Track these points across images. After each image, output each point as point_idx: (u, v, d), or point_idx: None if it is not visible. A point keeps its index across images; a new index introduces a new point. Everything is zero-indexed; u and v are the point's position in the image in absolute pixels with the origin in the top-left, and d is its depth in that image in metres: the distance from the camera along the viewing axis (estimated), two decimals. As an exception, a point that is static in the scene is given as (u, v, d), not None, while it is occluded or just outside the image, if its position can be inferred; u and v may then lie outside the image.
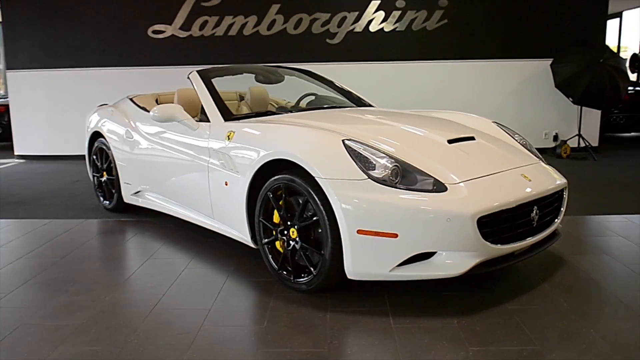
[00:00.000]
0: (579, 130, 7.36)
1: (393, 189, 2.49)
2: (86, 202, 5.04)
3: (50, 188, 5.78)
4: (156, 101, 4.59)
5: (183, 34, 7.55)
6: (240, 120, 3.36)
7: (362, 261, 2.53)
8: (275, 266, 2.92)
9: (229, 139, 3.17)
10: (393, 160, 2.58)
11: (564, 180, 3.05)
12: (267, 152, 2.83)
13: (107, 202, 4.65)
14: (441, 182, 2.54)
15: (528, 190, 2.71)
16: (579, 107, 7.27)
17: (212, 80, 3.76)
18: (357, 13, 7.48)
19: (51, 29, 7.69)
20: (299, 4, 7.45)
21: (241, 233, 3.17)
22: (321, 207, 2.58)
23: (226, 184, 3.17)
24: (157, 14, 7.50)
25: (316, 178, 2.59)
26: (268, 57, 7.50)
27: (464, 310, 2.58)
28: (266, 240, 2.97)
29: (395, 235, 2.45)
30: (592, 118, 7.61)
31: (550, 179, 2.95)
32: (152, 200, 4.12)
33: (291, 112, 3.70)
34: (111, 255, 3.54)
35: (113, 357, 2.20)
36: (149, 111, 4.21)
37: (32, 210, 4.75)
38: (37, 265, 3.32)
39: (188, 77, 3.86)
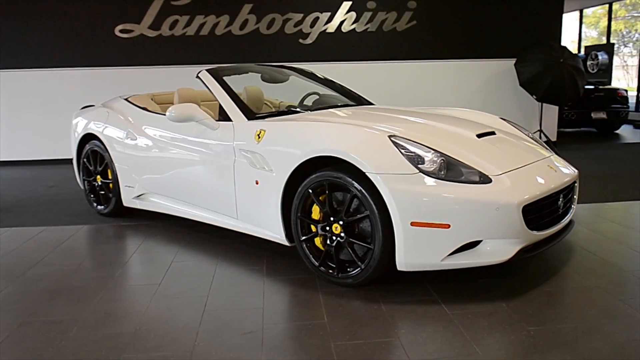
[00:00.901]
0: (540, 126, 7.80)
1: (443, 181, 2.59)
2: (73, 207, 4.83)
3: (25, 195, 5.48)
4: (152, 100, 4.47)
5: (152, 34, 7.36)
6: (265, 119, 3.36)
7: (415, 252, 2.61)
8: (316, 263, 2.95)
9: (259, 137, 3.16)
10: (439, 154, 2.68)
11: (576, 171, 3.27)
12: (311, 149, 2.85)
13: (102, 207, 4.49)
14: (485, 174, 2.67)
15: (557, 179, 2.90)
16: (540, 104, 7.70)
17: (224, 78, 3.73)
18: (329, 14, 7.57)
19: (11, 27, 7.27)
20: (271, 4, 7.45)
21: (273, 232, 3.17)
22: (371, 201, 2.65)
23: (257, 183, 3.16)
24: (125, 13, 7.27)
25: (367, 173, 2.64)
26: (241, 58, 7.45)
27: (506, 295, 2.72)
28: (304, 237, 3.00)
29: (448, 226, 2.55)
30: (551, 114, 8.09)
31: (568, 170, 3.15)
32: (159, 203, 4.02)
33: (310, 110, 3.72)
34: (131, 260, 3.43)
35: (187, 358, 2.17)
36: (150, 111, 4.13)
37: (15, 219, 4.49)
38: (56, 273, 3.18)
39: (197, 77, 3.80)
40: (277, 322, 2.49)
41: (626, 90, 9.90)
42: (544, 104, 7.69)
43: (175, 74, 7.40)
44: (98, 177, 4.49)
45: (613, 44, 11.94)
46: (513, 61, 7.67)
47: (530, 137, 3.55)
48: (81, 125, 4.60)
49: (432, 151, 2.70)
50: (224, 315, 2.57)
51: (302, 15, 7.53)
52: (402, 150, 2.67)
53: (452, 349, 2.21)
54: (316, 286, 2.90)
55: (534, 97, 7.46)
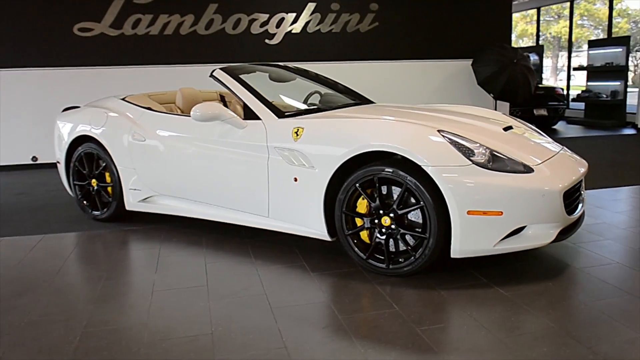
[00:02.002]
0: (494, 123, 8.28)
1: (493, 172, 2.76)
2: (58, 214, 4.56)
3: (-6, 204, 5.10)
4: (152, 100, 4.33)
5: (114, 33, 7.06)
6: (296, 117, 3.38)
7: (470, 240, 2.76)
8: (363, 256, 3.03)
9: (297, 135, 3.18)
10: (485, 147, 2.85)
11: (586, 162, 3.55)
12: (361, 144, 2.91)
13: (98, 212, 4.28)
14: (527, 165, 2.86)
15: (579, 168, 3.16)
16: (494, 101, 8.19)
17: (241, 77, 3.71)
18: (294, 14, 7.63)
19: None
20: (237, 4, 7.39)
21: (312, 228, 3.20)
22: (426, 193, 2.76)
23: (295, 180, 3.18)
24: (84, 11, 6.92)
25: (423, 166, 2.76)
26: (207, 58, 7.34)
27: (542, 278, 2.94)
28: (350, 231, 3.06)
29: (501, 213, 2.72)
30: (503, 111, 8.61)
31: (582, 160, 3.43)
32: (169, 205, 3.90)
33: (331, 108, 3.76)
34: (161, 263, 3.32)
35: (288, 354, 2.18)
36: (157, 111, 4.02)
37: (2, 229, 4.18)
38: (88, 281, 3.03)
39: (212, 76, 3.75)
40: (351, 314, 2.54)
41: (562, 89, 10.73)
42: (497, 101, 8.18)
43: (139, 75, 7.16)
44: (93, 181, 4.28)
45: (542, 46, 12.88)
46: (469, 61, 8.10)
47: (536, 131, 3.82)
48: (71, 128, 4.36)
49: (478, 144, 2.86)
50: (295, 312, 2.58)
51: (267, 15, 7.53)
52: (453, 144, 2.81)
53: (531, 324, 2.37)
54: (366, 278, 2.97)
55: (491, 95, 7.93)
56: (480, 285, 2.83)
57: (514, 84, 7.64)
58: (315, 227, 3.19)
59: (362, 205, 3.04)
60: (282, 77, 4.27)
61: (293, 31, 7.66)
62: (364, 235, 3.06)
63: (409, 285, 2.85)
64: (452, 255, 2.82)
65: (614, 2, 22.60)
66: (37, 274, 3.18)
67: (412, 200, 2.88)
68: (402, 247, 2.95)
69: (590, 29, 24.60)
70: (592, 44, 11.10)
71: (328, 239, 3.18)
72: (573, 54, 12.91)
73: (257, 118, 3.42)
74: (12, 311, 2.66)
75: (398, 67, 8.09)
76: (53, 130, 4.61)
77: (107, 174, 4.22)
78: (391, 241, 2.97)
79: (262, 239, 3.70)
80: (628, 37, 10.20)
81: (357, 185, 2.97)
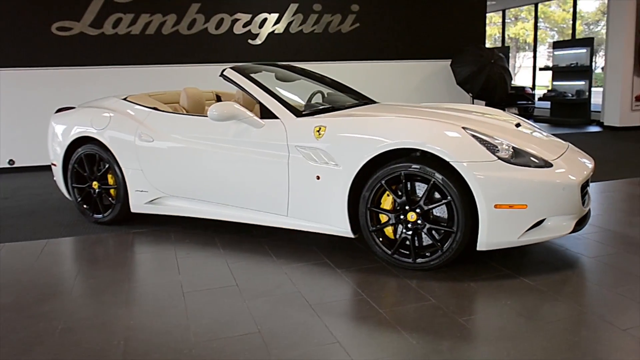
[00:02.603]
0: (471, 122, 8.51)
1: (518, 167, 2.86)
2: (54, 218, 4.41)
3: (-20, 210, 4.89)
4: (154, 100, 4.26)
5: (94, 32, 6.88)
6: (314, 116, 3.40)
7: (496, 232, 2.85)
8: (389, 251, 3.08)
9: (319, 133, 3.21)
10: (507, 143, 2.96)
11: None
12: (387, 142, 2.97)
13: (100, 215, 4.18)
14: (545, 160, 2.99)
15: (589, 163, 3.31)
16: (472, 100, 8.42)
17: (252, 76, 3.71)
18: (277, 15, 7.62)
19: None
20: (219, 3, 7.33)
21: (335, 225, 3.23)
22: (454, 188, 2.85)
23: (317, 178, 3.21)
24: (63, 10, 6.71)
25: (451, 162, 2.84)
26: (189, 58, 7.26)
27: (561, 267, 3.07)
28: (374, 228, 3.11)
29: (525, 206, 2.83)
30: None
31: (587, 155, 3.58)
32: (178, 206, 3.85)
33: (343, 107, 3.79)
34: (182, 265, 3.27)
35: (343, 348, 2.21)
36: (163, 112, 3.96)
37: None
38: (114, 284, 2.96)
39: (222, 75, 3.74)
40: (391, 307, 2.59)
41: (531, 88, 11.12)
42: (474, 100, 8.42)
43: (121, 75, 7.00)
44: (95, 183, 4.17)
45: (508, 47, 13.32)
46: (448, 62, 8.30)
47: (537, 128, 3.97)
48: (69, 129, 4.24)
49: (500, 140, 2.96)
50: (335, 308, 2.61)
51: (250, 15, 7.50)
52: (479, 140, 2.91)
53: (565, 311, 2.48)
54: (393, 273, 3.03)
55: (470, 94, 8.15)
56: (505, 276, 2.93)
57: (492, 83, 7.88)
58: (338, 225, 3.22)
59: (387, 202, 3.09)
60: (287, 77, 4.28)
61: (276, 31, 7.66)
62: (388, 231, 3.12)
63: (436, 279, 2.93)
64: (477, 248, 2.91)
65: (569, 5, 23.50)
66: (54, 279, 3.09)
67: (437, 195, 2.96)
68: (424, 241, 3.03)
69: (546, 31, 25.63)
70: (557, 45, 11.55)
71: (351, 235, 3.22)
72: (530, 54, 13.44)
73: (274, 117, 3.42)
74: (40, 318, 2.58)
75: (379, 67, 8.20)
76: (32, 132, 4.47)
77: (109, 176, 4.13)
78: (408, 235, 3.04)
79: (277, 237, 3.71)
80: (592, 39, 10.67)
81: (383, 182, 3.03)
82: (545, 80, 14.44)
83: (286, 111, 3.42)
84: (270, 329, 2.40)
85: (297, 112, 3.43)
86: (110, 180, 4.13)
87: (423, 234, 3.02)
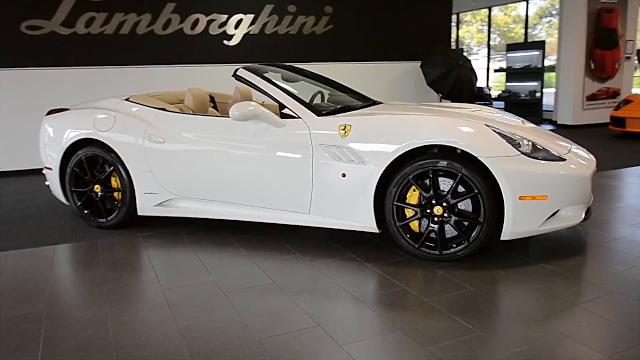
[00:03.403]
0: (440, 121, 8.83)
1: (539, 160, 3.06)
2: (50, 223, 4.25)
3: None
4: (157, 99, 4.20)
5: (65, 31, 6.63)
6: (335, 115, 3.48)
7: (520, 222, 3.04)
8: (415, 244, 3.21)
9: (344, 132, 3.29)
10: (527, 139, 3.15)
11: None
12: (416, 139, 3.08)
13: (104, 219, 4.07)
14: (559, 154, 3.20)
15: (592, 157, 3.56)
16: (440, 100, 8.72)
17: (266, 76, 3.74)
18: (252, 16, 7.62)
19: None
20: (195, 3, 7.24)
21: (360, 221, 3.31)
22: (481, 182, 3.01)
23: (343, 176, 3.29)
24: (33, 8, 6.42)
25: (479, 158, 2.99)
26: (165, 58, 7.13)
27: (573, 254, 3.30)
28: (401, 222, 3.23)
29: (546, 198, 3.03)
30: (445, 110, 9.20)
31: (587, 151, 3.83)
32: (190, 208, 3.81)
33: (357, 107, 3.87)
34: (207, 265, 3.25)
35: (408, 337, 2.31)
36: (173, 112, 3.92)
37: (-3, 242, 3.86)
38: (146, 286, 2.92)
39: (235, 75, 3.74)
40: (436, 295, 2.71)
41: (489, 89, 11.61)
42: (442, 100, 8.73)
43: (94, 76, 6.79)
44: (97, 186, 4.07)
45: (462, 49, 13.83)
46: (417, 63, 8.56)
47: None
48: (67, 131, 4.10)
49: (520, 136, 3.15)
50: (383, 299, 2.70)
51: (226, 16, 7.45)
52: (502, 136, 3.08)
53: (593, 292, 2.68)
54: (420, 264, 3.15)
55: (440, 95, 8.44)
56: (526, 264, 3.12)
57: (460, 84, 8.20)
58: (363, 220, 3.31)
59: (413, 197, 3.21)
60: (291, 78, 4.32)
61: (251, 32, 7.64)
62: (413, 225, 3.24)
63: (463, 268, 3.07)
64: (501, 238, 3.08)
65: (510, 9, 24.57)
66: (80, 285, 3.01)
67: (461, 189, 3.11)
68: (447, 234, 3.18)
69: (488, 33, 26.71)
70: (510, 48, 12.12)
71: (376, 230, 3.32)
72: (473, 56, 14.03)
73: (294, 117, 3.47)
74: (86, 325, 2.52)
75: (352, 68, 8.34)
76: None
77: (113, 179, 4.03)
78: (435, 228, 3.17)
79: (293, 235, 3.76)
80: (543, 42, 11.27)
81: (411, 177, 3.15)
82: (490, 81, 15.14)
83: (307, 111, 3.48)
84: (328, 322, 2.46)
85: (317, 111, 3.49)
86: (114, 183, 4.04)
87: (446, 226, 3.16)
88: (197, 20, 7.29)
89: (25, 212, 4.70)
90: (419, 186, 3.16)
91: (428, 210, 3.17)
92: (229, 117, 3.49)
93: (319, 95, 4.49)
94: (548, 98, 11.71)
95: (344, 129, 3.31)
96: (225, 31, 7.50)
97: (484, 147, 3.02)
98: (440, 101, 8.75)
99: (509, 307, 2.57)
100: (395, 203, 3.21)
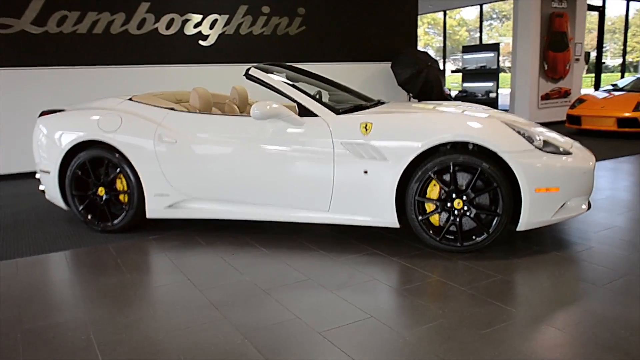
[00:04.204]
0: (409, 120, 9.09)
1: (551, 154, 3.27)
2: (49, 229, 4.10)
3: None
4: (165, 100, 4.14)
5: (36, 30, 6.36)
6: (354, 113, 3.57)
7: (535, 213, 3.23)
8: (437, 237, 3.35)
9: (366, 130, 3.38)
10: (539, 133, 3.36)
11: None
12: (438, 136, 3.21)
13: (109, 223, 3.98)
14: (566, 149, 3.43)
15: (591, 152, 3.82)
16: (409, 100, 8.97)
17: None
18: (227, 16, 7.57)
19: None
20: (169, 3, 7.12)
21: (381, 217, 3.41)
22: (500, 175, 3.18)
23: (365, 172, 3.38)
24: (1, 6, 6.13)
25: (499, 153, 3.17)
26: (140, 58, 6.98)
27: (577, 242, 3.54)
28: (422, 217, 3.36)
29: (558, 189, 3.25)
30: (413, 110, 9.47)
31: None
32: (202, 209, 3.78)
33: (368, 107, 3.96)
34: (235, 266, 3.26)
35: (461, 322, 2.43)
36: (182, 112, 3.89)
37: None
38: (181, 287, 2.90)
39: (247, 75, 3.76)
40: (472, 283, 2.85)
41: (449, 89, 12.01)
42: (411, 99, 8.99)
43: (68, 76, 6.55)
44: (101, 189, 3.97)
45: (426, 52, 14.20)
46: (388, 64, 8.78)
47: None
48: (67, 132, 3.98)
49: (531, 131, 3.35)
50: (425, 290, 2.81)
51: (201, 16, 7.37)
52: (517, 132, 3.27)
53: (610, 275, 2.91)
54: (443, 256, 3.30)
55: (410, 95, 8.68)
56: (537, 252, 3.32)
57: (429, 85, 8.48)
58: (385, 216, 3.42)
59: (433, 191, 3.35)
60: (295, 78, 4.36)
61: (226, 32, 7.60)
62: (434, 219, 3.38)
63: (483, 259, 3.24)
64: (518, 229, 3.27)
65: (455, 12, 25.36)
66: (111, 288, 2.95)
67: (480, 183, 3.28)
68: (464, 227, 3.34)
69: (434, 36, 27.59)
70: (466, 50, 12.62)
71: (397, 226, 3.43)
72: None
73: (312, 115, 3.53)
74: (132, 328, 2.49)
75: (325, 68, 8.41)
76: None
77: (118, 181, 3.95)
78: (456, 221, 3.33)
79: (310, 234, 3.81)
80: (498, 44, 11.81)
81: (431, 173, 3.28)
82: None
83: (325, 109, 3.55)
84: (382, 313, 2.54)
85: (335, 110, 3.57)
86: (119, 185, 3.95)
87: (464, 219, 3.31)
88: (172, 20, 7.18)
89: (14, 219, 4.50)
90: (441, 181, 3.31)
91: (448, 204, 3.32)
92: (237, 115, 3.52)
93: (319, 94, 4.56)
94: (503, 98, 12.27)
95: (365, 127, 3.40)
96: (200, 31, 7.41)
97: (502, 142, 3.19)
98: (410, 100, 9.01)
99: (542, 292, 2.75)
100: (416, 198, 3.34)
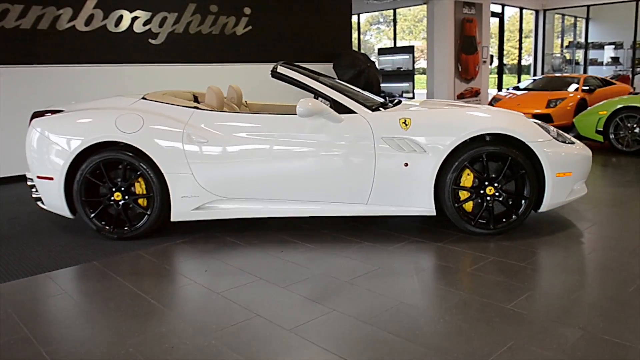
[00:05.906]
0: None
1: (564, 144, 3.72)
2: (55, 241, 3.78)
3: None
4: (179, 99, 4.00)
5: (-27, 25, 5.71)
6: (387, 110, 3.75)
7: (555, 195, 3.66)
8: (471, 222, 3.65)
9: (406, 125, 3.58)
10: (551, 126, 3.79)
11: None
12: (474, 129, 3.50)
13: (126, 229, 3.77)
14: (570, 139, 3.90)
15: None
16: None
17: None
18: (177, 14, 7.34)
19: None
20: (118, -1, 6.76)
21: (419, 206, 3.62)
22: (528, 162, 3.56)
23: (406, 165, 3.58)
24: None
25: (527, 142, 3.54)
26: (89, 56, 6.54)
27: (574, 225, 4.05)
28: (457, 204, 3.64)
29: (571, 174, 3.71)
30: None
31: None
32: (238, 208, 3.71)
33: (393, 105, 4.12)
34: (291, 266, 3.28)
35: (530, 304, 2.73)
36: (209, 110, 3.82)
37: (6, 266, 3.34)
38: (253, 290, 2.90)
39: (275, 73, 3.81)
40: (521, 262, 3.16)
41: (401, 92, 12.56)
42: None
43: (14, 76, 5.96)
44: (117, 194, 3.75)
45: (365, 54, 14.66)
46: (329, 64, 9.02)
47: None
48: (76, 135, 3.69)
49: (546, 126, 3.78)
50: (485, 269, 3.08)
51: (150, 14, 7.07)
52: (537, 124, 3.67)
53: (618, 262, 3.39)
54: (479, 239, 3.60)
55: (353, 94, 8.99)
56: (550, 233, 3.74)
57: (369, 85, 8.86)
58: (423, 205, 3.64)
59: (467, 180, 3.64)
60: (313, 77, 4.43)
61: (176, 31, 7.36)
62: (467, 205, 3.68)
63: (508, 240, 3.57)
64: (540, 210, 3.68)
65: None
66: (196, 293, 2.86)
67: (508, 171, 3.63)
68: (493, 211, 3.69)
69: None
70: (382, 52, 13.27)
71: (434, 214, 3.67)
72: None
73: (349, 112, 3.66)
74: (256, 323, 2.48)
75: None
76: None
77: (137, 184, 3.76)
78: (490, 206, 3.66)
79: (346, 227, 3.92)
80: (412, 47, 12.58)
81: (467, 163, 3.57)
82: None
83: (361, 107, 3.69)
84: (474, 292, 2.76)
85: (369, 107, 3.73)
86: (138, 189, 3.76)
87: (501, 203, 3.65)
88: (121, 16, 6.81)
89: (9, 232, 4.06)
90: (475, 170, 3.61)
91: (482, 191, 3.63)
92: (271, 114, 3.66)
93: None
94: (419, 97, 13.08)
95: (404, 122, 3.60)
96: (150, 29, 7.11)
97: (529, 134, 3.58)
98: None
99: (578, 264, 3.15)
100: (453, 187, 3.61)
